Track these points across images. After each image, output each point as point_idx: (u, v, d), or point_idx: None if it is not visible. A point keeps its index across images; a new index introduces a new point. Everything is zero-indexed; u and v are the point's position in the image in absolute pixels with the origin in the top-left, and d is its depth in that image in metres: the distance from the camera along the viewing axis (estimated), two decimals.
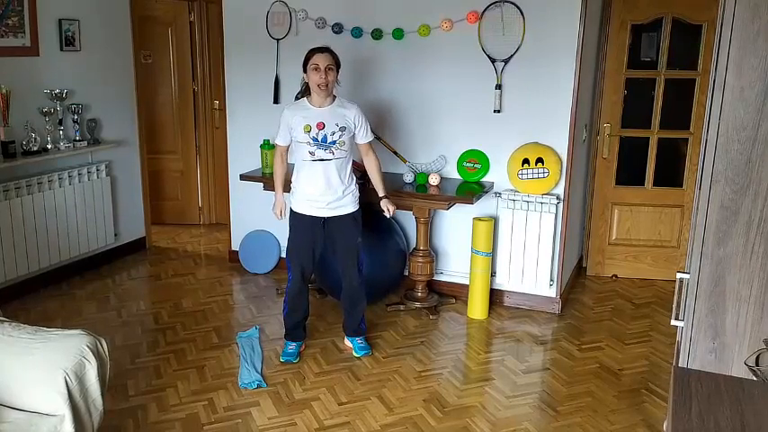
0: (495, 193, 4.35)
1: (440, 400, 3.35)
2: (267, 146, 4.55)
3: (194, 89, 6.11)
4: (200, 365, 3.66)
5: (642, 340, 4.06)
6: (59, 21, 4.61)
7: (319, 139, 3.50)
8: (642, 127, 4.86)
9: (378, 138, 4.38)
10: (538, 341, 4.03)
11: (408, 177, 4.33)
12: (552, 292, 4.40)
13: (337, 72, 3.54)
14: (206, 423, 3.13)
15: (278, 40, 4.71)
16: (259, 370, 3.59)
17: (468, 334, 4.14)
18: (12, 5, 4.29)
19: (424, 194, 4.18)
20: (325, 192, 3.54)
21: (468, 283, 4.37)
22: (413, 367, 3.68)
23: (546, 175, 4.17)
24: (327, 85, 3.47)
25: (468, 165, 4.38)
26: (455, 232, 4.56)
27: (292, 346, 3.76)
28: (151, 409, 3.23)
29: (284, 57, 4.70)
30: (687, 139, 4.85)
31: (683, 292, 1.99)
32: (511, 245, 4.32)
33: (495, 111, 4.26)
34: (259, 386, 3.44)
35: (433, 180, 4.22)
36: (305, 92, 3.67)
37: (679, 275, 1.99)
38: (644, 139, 4.88)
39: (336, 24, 4.52)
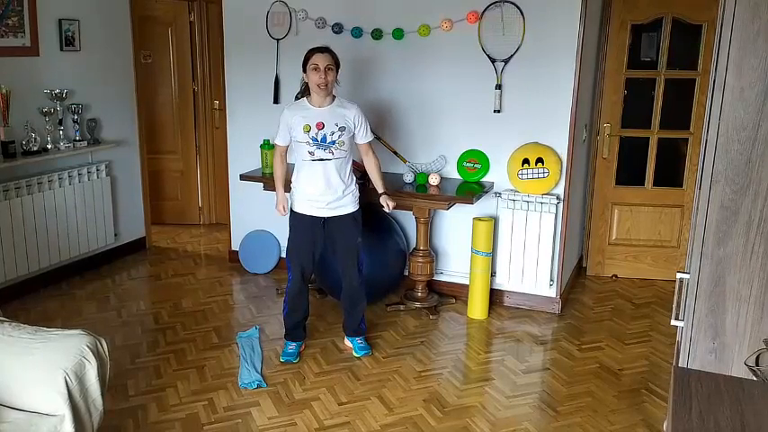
0: (495, 193, 4.35)
1: (440, 400, 3.35)
2: (267, 146, 4.55)
3: (194, 89, 6.11)
4: (200, 365, 3.66)
5: (642, 340, 4.06)
6: (59, 21, 4.61)
7: (319, 139, 3.50)
8: (642, 127, 4.86)
9: (378, 138, 4.38)
10: (538, 341, 4.03)
11: (408, 177, 4.33)
12: (552, 292, 4.40)
13: (337, 72, 3.54)
14: (206, 423, 3.13)
15: (278, 40, 4.71)
16: (259, 370, 3.59)
17: (468, 334, 4.14)
18: (12, 5, 4.29)
19: (424, 194, 4.18)
20: (324, 192, 3.54)
21: (468, 283, 4.37)
22: (413, 367, 3.68)
23: (546, 175, 4.17)
24: (327, 85, 3.47)
25: (468, 165, 4.38)
26: (455, 232, 4.56)
27: (292, 346, 3.76)
28: (151, 409, 3.23)
29: (284, 57, 4.70)
30: (687, 139, 4.85)
31: (683, 292, 1.99)
32: (511, 245, 4.32)
33: (495, 111, 4.26)
34: (259, 386, 3.44)
35: (433, 180, 4.22)
36: (304, 92, 3.67)
37: (679, 275, 1.99)
38: (644, 139, 4.88)
39: (336, 24, 4.52)
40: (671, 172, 4.95)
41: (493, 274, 4.40)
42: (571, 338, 4.06)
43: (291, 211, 3.67)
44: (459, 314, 4.39)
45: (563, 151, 4.20)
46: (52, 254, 4.62)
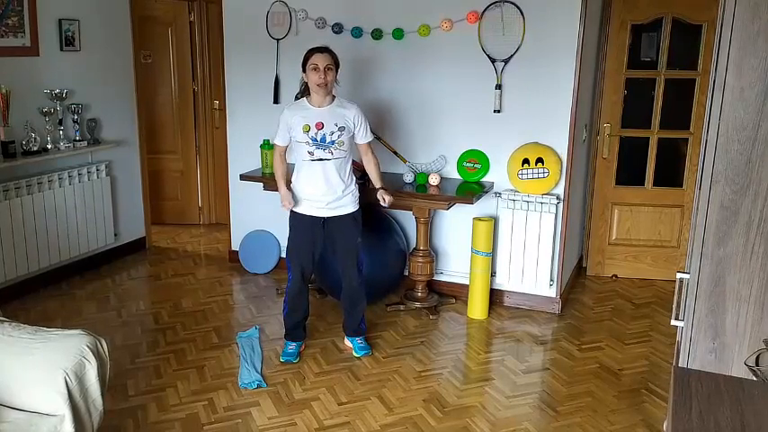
0: (495, 193, 4.35)
1: (440, 400, 3.35)
2: (267, 146, 4.55)
3: (194, 89, 6.11)
4: (200, 365, 3.66)
5: (642, 340, 4.06)
6: (59, 21, 4.61)
7: (318, 139, 3.50)
8: (642, 127, 4.86)
9: (378, 138, 4.38)
10: (538, 341, 4.03)
11: (408, 177, 4.33)
12: (552, 292, 4.40)
13: (336, 72, 3.54)
14: (206, 423, 3.13)
15: (278, 40, 4.71)
16: (259, 370, 3.59)
17: (468, 334, 4.14)
18: (12, 5, 4.29)
19: (424, 194, 4.18)
20: (324, 192, 3.54)
21: (468, 283, 4.37)
22: (413, 367, 3.68)
23: (546, 175, 4.17)
24: (327, 85, 3.47)
25: (468, 165, 4.38)
26: (455, 232, 4.56)
27: (292, 346, 3.76)
28: (151, 409, 3.23)
29: (284, 57, 4.70)
30: (687, 139, 4.85)
31: (683, 292, 1.99)
32: (511, 245, 4.32)
33: (495, 111, 4.26)
34: (259, 386, 3.44)
35: (433, 180, 4.22)
36: (304, 92, 3.67)
37: (679, 275, 1.99)
38: (644, 139, 4.88)
39: (336, 24, 4.52)
40: (671, 172, 4.95)
41: (493, 274, 4.40)
42: (571, 338, 4.06)
43: (291, 210, 3.67)
44: (459, 314, 4.39)
45: (563, 151, 4.20)
46: (52, 254, 4.62)
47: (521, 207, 4.26)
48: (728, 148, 1.79)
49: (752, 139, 1.76)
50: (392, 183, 4.31)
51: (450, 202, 4.17)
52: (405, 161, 4.50)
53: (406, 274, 4.51)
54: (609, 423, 3.17)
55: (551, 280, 4.35)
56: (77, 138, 4.75)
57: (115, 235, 5.19)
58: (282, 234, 4.29)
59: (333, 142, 3.50)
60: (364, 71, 4.52)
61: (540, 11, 4.06)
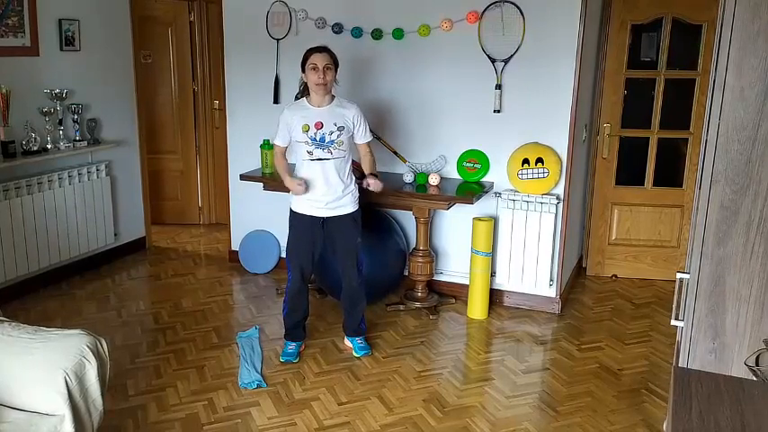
0: (495, 193, 4.35)
1: (440, 400, 3.35)
2: (267, 146, 4.55)
3: (194, 89, 6.11)
4: (199, 365, 3.66)
5: (642, 340, 4.06)
6: (59, 21, 4.61)
7: (317, 139, 3.50)
8: (642, 127, 4.86)
9: (378, 138, 4.38)
10: (538, 341, 4.03)
11: (408, 177, 4.33)
12: (552, 292, 4.40)
13: (336, 71, 3.54)
14: (206, 423, 3.13)
15: (278, 40, 4.71)
16: (259, 370, 3.59)
17: (468, 334, 4.14)
18: (12, 5, 4.29)
19: (423, 194, 4.17)
20: (324, 192, 3.54)
21: (468, 283, 4.37)
22: (413, 367, 3.68)
23: (546, 175, 4.17)
24: (326, 85, 3.48)
25: (468, 165, 4.38)
26: (455, 232, 4.56)
27: (292, 346, 3.76)
28: (151, 409, 3.23)
29: (284, 57, 4.70)
30: (687, 139, 4.85)
31: (682, 292, 1.99)
32: (511, 245, 4.32)
33: (495, 111, 4.26)
34: (259, 386, 3.44)
35: (433, 180, 4.22)
36: (303, 92, 3.67)
37: (679, 275, 1.99)
38: (644, 139, 4.88)
39: (336, 24, 4.52)
40: (671, 172, 4.95)
41: (493, 274, 4.40)
42: (571, 338, 4.06)
43: (291, 210, 3.67)
44: (459, 314, 4.38)
45: (563, 151, 4.20)
46: (52, 254, 4.62)
47: (521, 207, 4.26)
48: (728, 148, 1.79)
49: (752, 139, 1.76)
50: (392, 183, 4.32)
51: (450, 202, 4.17)
52: (405, 161, 4.50)
53: (406, 274, 4.51)
54: (609, 423, 3.17)
55: (551, 280, 4.35)
56: (77, 138, 4.75)
57: (115, 235, 5.19)
58: (282, 234, 4.28)
59: (332, 142, 3.50)
60: (364, 71, 4.52)
61: (540, 11, 4.06)
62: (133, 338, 3.97)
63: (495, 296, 4.46)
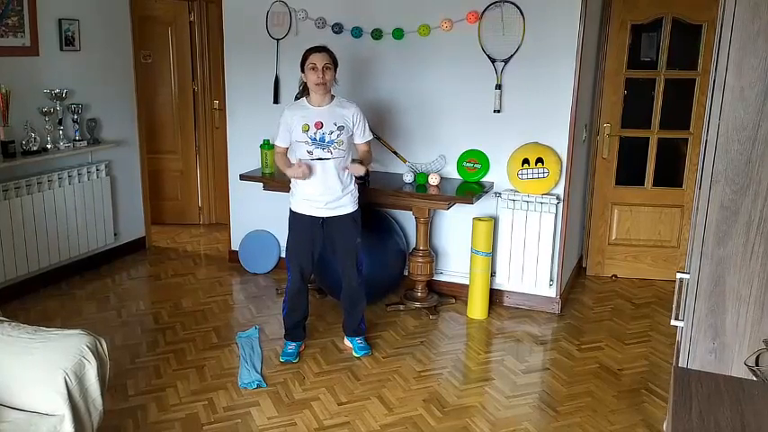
0: (495, 193, 4.35)
1: (440, 400, 3.35)
2: (267, 146, 4.55)
3: (194, 89, 6.11)
4: (199, 365, 3.66)
5: (642, 340, 4.06)
6: (59, 21, 4.61)
7: (317, 139, 3.50)
8: (642, 127, 4.86)
9: (378, 138, 4.38)
10: (538, 341, 4.03)
11: (408, 177, 4.33)
12: (552, 292, 4.40)
13: (335, 71, 3.54)
14: (206, 423, 3.13)
15: (278, 40, 4.71)
16: (259, 370, 3.59)
17: (467, 334, 4.14)
18: (12, 5, 4.29)
19: (423, 194, 4.17)
20: (323, 191, 3.54)
21: (467, 283, 4.37)
22: (413, 367, 3.68)
23: (546, 175, 4.17)
24: (325, 84, 3.48)
25: (468, 165, 4.38)
26: (455, 232, 4.56)
27: (292, 346, 3.76)
28: (151, 409, 3.23)
29: (284, 57, 4.70)
30: (687, 139, 4.85)
31: (682, 292, 1.98)
32: (511, 245, 4.32)
33: (495, 111, 4.26)
34: (259, 386, 3.44)
35: (433, 180, 4.22)
36: (303, 92, 3.67)
37: (679, 275, 1.99)
38: (644, 139, 4.88)
39: (336, 24, 4.52)
40: (671, 172, 4.95)
41: (493, 274, 4.40)
42: (571, 338, 4.06)
43: (290, 211, 3.67)
44: (458, 314, 4.38)
45: (563, 151, 4.20)
46: (52, 254, 4.62)
47: (521, 207, 4.26)
48: (728, 148, 1.79)
49: (752, 139, 1.76)
50: (392, 183, 4.32)
51: (450, 202, 4.17)
52: (405, 161, 4.50)
53: (406, 274, 4.51)
54: (609, 423, 3.17)
55: (551, 280, 4.35)
56: (77, 138, 4.75)
57: (115, 235, 5.19)
58: (282, 234, 4.28)
59: (332, 142, 3.50)
60: (364, 71, 4.52)
61: (540, 11, 4.06)
62: (133, 338, 3.97)
63: (495, 296, 4.46)
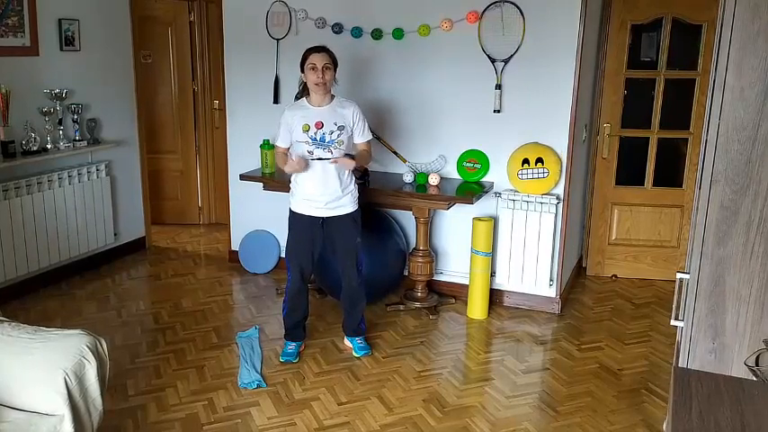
0: (495, 193, 4.35)
1: (439, 400, 3.35)
2: (267, 146, 4.55)
3: (194, 89, 6.11)
4: (199, 365, 3.65)
5: (642, 340, 4.06)
6: (59, 21, 4.61)
7: (318, 139, 3.50)
8: (642, 127, 4.86)
9: (378, 138, 4.38)
10: (538, 341, 4.03)
11: (408, 177, 4.33)
12: (552, 292, 4.40)
13: (335, 71, 3.54)
14: (206, 423, 3.13)
15: (278, 40, 4.71)
16: (259, 370, 3.59)
17: (467, 334, 4.14)
18: (12, 5, 4.29)
19: (423, 194, 4.17)
20: (323, 191, 3.54)
21: (467, 283, 4.37)
22: (412, 367, 3.68)
23: (546, 175, 4.17)
24: (325, 84, 3.48)
25: (468, 165, 4.38)
26: (455, 232, 4.56)
27: (292, 346, 3.76)
28: (151, 409, 3.23)
29: (284, 57, 4.70)
30: (687, 139, 4.85)
31: (682, 292, 1.98)
32: (511, 245, 4.32)
33: (495, 111, 4.26)
34: (259, 386, 3.44)
35: (433, 180, 4.22)
36: (303, 92, 3.67)
37: (679, 275, 1.99)
38: (644, 139, 4.88)
39: (336, 24, 4.52)
40: (671, 172, 4.95)
41: (493, 274, 4.40)
42: (571, 338, 4.06)
43: (290, 211, 3.67)
44: (458, 314, 4.38)
45: (563, 151, 4.20)
46: (52, 254, 4.62)
47: (520, 207, 4.26)
48: (728, 148, 1.79)
49: (752, 139, 1.76)
50: (392, 183, 4.32)
51: (450, 202, 4.17)
52: (405, 161, 4.50)
53: (406, 274, 4.51)
54: (609, 423, 3.17)
55: (551, 280, 4.35)
56: (77, 138, 4.75)
57: (115, 235, 5.19)
58: (282, 234, 4.28)
59: (332, 141, 3.50)
60: (364, 71, 4.52)
61: (540, 11, 4.06)
62: (133, 338, 3.97)
63: (494, 296, 4.46)
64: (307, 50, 3.53)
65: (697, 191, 1.92)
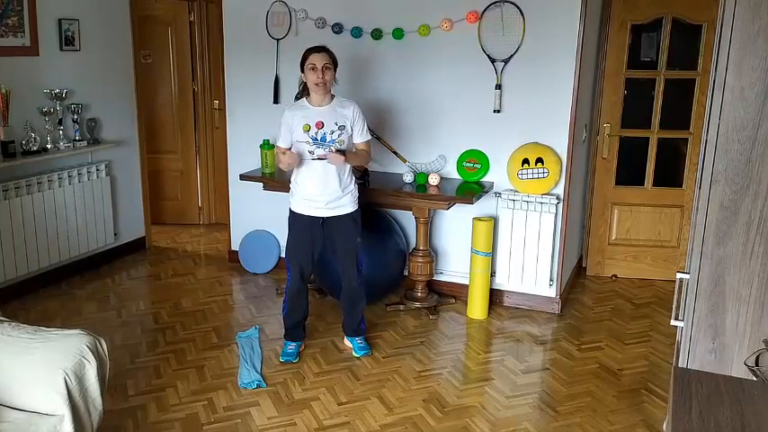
0: (495, 193, 4.35)
1: (439, 400, 3.35)
2: (267, 146, 4.55)
3: (194, 89, 6.11)
4: (199, 365, 3.65)
5: (642, 340, 4.06)
6: (59, 20, 4.61)
7: (319, 138, 3.50)
8: (642, 127, 4.86)
9: (378, 138, 4.38)
10: (538, 341, 4.03)
11: (408, 177, 4.33)
12: (552, 292, 4.40)
13: (335, 71, 3.54)
14: (206, 423, 3.13)
15: (278, 40, 4.71)
16: (259, 370, 3.59)
17: (467, 334, 4.14)
18: (12, 5, 4.29)
19: (423, 194, 4.17)
20: (323, 191, 3.54)
21: (467, 283, 4.37)
22: (412, 367, 3.68)
23: (546, 175, 4.17)
24: (325, 84, 3.48)
25: (468, 165, 4.38)
26: (455, 232, 4.56)
27: (292, 346, 3.76)
28: (151, 409, 3.23)
29: (284, 57, 4.70)
30: (687, 139, 4.85)
31: (682, 292, 1.98)
32: (511, 245, 4.32)
33: (495, 111, 4.26)
34: (259, 386, 3.44)
35: (433, 180, 4.22)
36: (303, 92, 3.67)
37: (679, 275, 1.99)
38: (644, 139, 4.88)
39: (336, 24, 4.52)
40: (671, 172, 4.95)
41: (493, 274, 4.40)
42: (571, 338, 4.06)
43: (290, 211, 3.67)
44: (458, 314, 4.38)
45: (563, 151, 4.20)
46: (52, 254, 4.62)
47: (520, 207, 4.26)
48: (728, 147, 1.79)
49: (752, 139, 1.76)
50: (392, 183, 4.32)
51: (449, 202, 4.17)
52: (405, 161, 4.50)
53: (406, 274, 4.51)
54: (609, 423, 3.17)
55: (551, 280, 4.35)
56: (77, 137, 4.75)
57: (115, 235, 5.19)
58: (282, 234, 4.28)
59: (333, 141, 3.50)
60: (364, 71, 4.52)
61: (540, 11, 4.06)
62: (133, 338, 3.97)
63: (494, 296, 4.46)
64: (307, 50, 3.53)
65: (697, 191, 1.92)
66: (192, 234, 6.06)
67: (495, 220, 4.32)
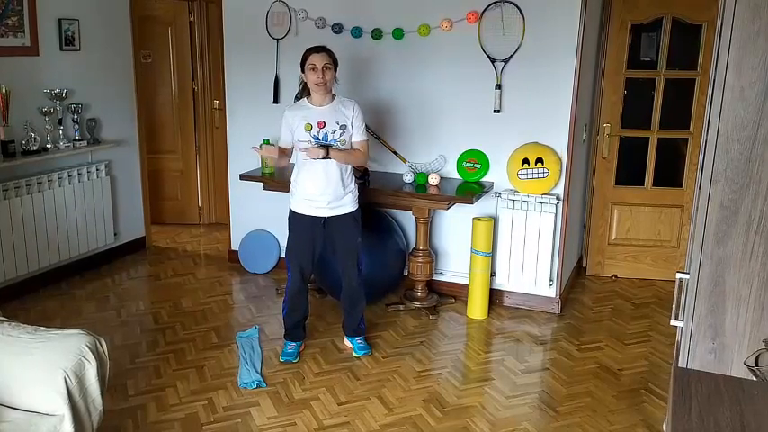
0: (495, 193, 4.35)
1: (439, 400, 3.35)
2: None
3: (194, 89, 6.11)
4: (199, 365, 3.65)
5: (642, 340, 4.06)
6: (59, 20, 4.61)
7: (320, 138, 3.50)
8: (642, 127, 4.86)
9: (378, 138, 4.38)
10: (537, 341, 4.03)
11: (408, 177, 4.33)
12: (552, 291, 4.40)
13: (335, 71, 3.54)
14: (205, 423, 3.13)
15: (278, 40, 4.71)
16: (259, 370, 3.59)
17: (467, 334, 4.14)
18: (12, 5, 4.29)
19: (423, 194, 4.17)
20: (324, 191, 3.54)
21: (467, 282, 4.37)
22: (412, 367, 3.68)
23: (545, 175, 4.17)
24: (325, 84, 3.48)
25: (467, 165, 4.38)
26: (455, 232, 4.56)
27: (292, 346, 3.76)
28: (151, 409, 3.23)
29: (284, 57, 4.70)
30: (687, 139, 4.85)
31: (682, 292, 1.98)
32: (510, 245, 4.32)
33: (494, 111, 4.26)
34: (258, 386, 3.44)
35: (433, 180, 4.22)
36: (303, 92, 3.67)
37: (679, 275, 1.99)
38: (644, 139, 4.88)
39: (336, 24, 4.52)
40: (671, 172, 4.95)
41: (492, 274, 4.40)
42: (571, 338, 4.06)
43: (291, 211, 3.67)
44: (458, 314, 4.38)
45: (563, 151, 4.20)
46: (52, 254, 4.62)
47: (520, 207, 4.26)
48: (728, 147, 1.79)
49: (752, 139, 1.76)
50: (392, 183, 4.32)
51: (449, 202, 4.17)
52: (405, 161, 4.50)
53: (406, 273, 4.51)
54: (608, 423, 3.17)
55: (551, 280, 4.35)
56: (77, 137, 4.75)
57: (115, 235, 5.19)
58: (282, 234, 4.28)
59: (335, 141, 3.50)
60: (364, 71, 4.52)
61: (540, 11, 4.06)
62: (133, 338, 3.97)
63: (494, 296, 4.46)
64: (307, 50, 3.54)
65: (697, 191, 1.92)
66: (192, 234, 6.06)
67: (494, 220, 4.32)
